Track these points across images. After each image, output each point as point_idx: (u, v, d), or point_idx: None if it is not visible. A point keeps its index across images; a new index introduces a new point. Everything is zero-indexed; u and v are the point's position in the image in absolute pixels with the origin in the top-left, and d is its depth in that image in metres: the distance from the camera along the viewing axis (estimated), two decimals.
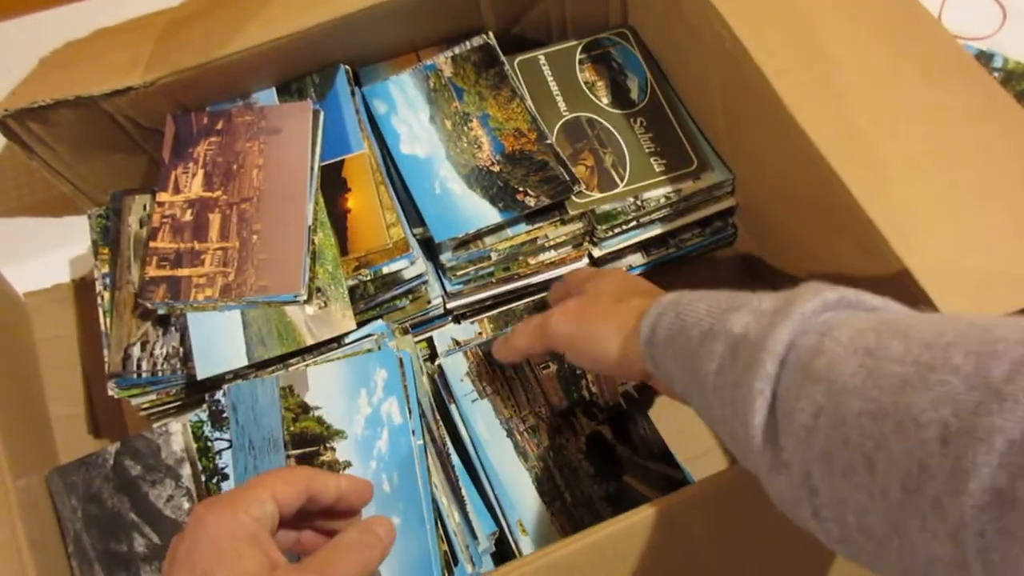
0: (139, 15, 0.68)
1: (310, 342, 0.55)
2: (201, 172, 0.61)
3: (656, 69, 0.67)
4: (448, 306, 0.61)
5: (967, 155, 0.45)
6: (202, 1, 0.66)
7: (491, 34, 0.66)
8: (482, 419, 0.54)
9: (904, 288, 0.40)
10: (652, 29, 0.67)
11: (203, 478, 0.53)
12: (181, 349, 0.56)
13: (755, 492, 0.41)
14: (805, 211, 0.52)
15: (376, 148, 0.63)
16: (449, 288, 0.60)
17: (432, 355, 0.60)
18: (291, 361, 0.56)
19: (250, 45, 0.60)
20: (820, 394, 0.30)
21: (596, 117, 0.64)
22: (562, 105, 0.65)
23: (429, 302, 0.60)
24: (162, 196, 0.60)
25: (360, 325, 0.56)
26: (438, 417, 0.55)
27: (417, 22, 0.66)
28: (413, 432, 0.51)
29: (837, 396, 0.30)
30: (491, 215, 0.59)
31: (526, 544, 0.51)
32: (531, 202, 0.59)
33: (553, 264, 0.61)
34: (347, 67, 0.65)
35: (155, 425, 0.57)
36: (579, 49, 0.68)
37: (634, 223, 0.61)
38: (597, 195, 0.60)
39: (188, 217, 0.59)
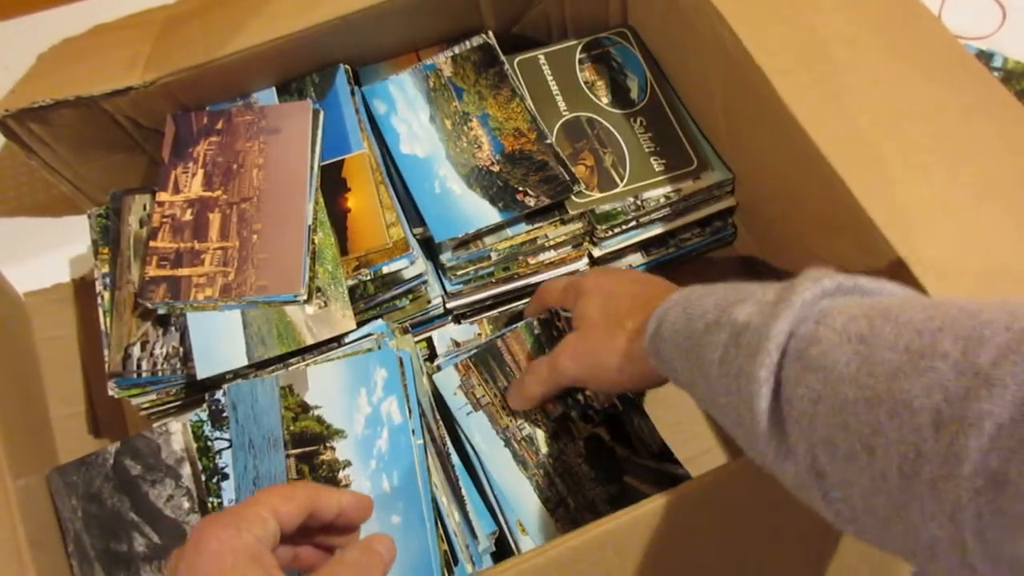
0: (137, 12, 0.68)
1: (310, 342, 0.55)
2: (201, 172, 0.61)
3: (656, 69, 0.67)
4: (448, 306, 0.61)
5: (968, 154, 0.45)
6: None
7: (491, 34, 0.66)
8: (478, 431, 0.54)
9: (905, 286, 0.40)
10: (652, 29, 0.67)
11: (203, 478, 0.53)
12: (181, 349, 0.56)
13: (754, 487, 0.41)
14: (805, 210, 0.52)
15: (376, 148, 0.63)
16: (449, 288, 0.60)
17: (432, 355, 0.59)
18: (291, 361, 0.56)
19: (250, 45, 0.60)
20: (818, 382, 0.31)
21: (596, 117, 0.64)
22: (562, 105, 0.65)
23: (429, 302, 0.60)
24: (162, 196, 0.60)
25: (360, 325, 0.56)
26: (438, 417, 0.55)
27: (417, 22, 0.66)
28: (413, 431, 0.51)
29: (834, 384, 0.30)
30: (491, 215, 0.59)
31: (527, 544, 0.51)
32: (531, 202, 0.59)
33: (553, 264, 0.61)
34: (347, 67, 0.65)
35: (155, 425, 0.57)
36: (579, 49, 0.68)
37: (634, 223, 0.61)
38: (597, 195, 0.60)
39: (188, 217, 0.59)
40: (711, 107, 0.61)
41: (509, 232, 0.60)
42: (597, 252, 0.62)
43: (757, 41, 0.49)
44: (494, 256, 0.60)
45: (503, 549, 0.53)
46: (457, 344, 0.60)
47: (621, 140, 0.63)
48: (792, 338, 0.33)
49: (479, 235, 0.59)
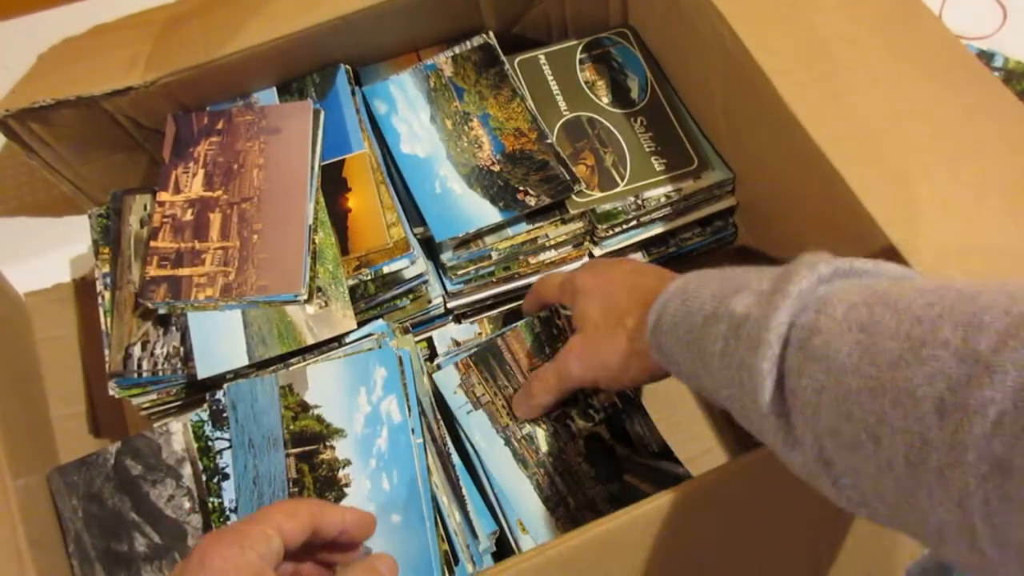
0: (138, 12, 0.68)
1: (311, 341, 0.55)
2: (201, 172, 0.61)
3: (656, 68, 0.67)
4: (449, 305, 0.61)
5: (969, 153, 0.45)
6: None
7: (491, 34, 0.66)
8: (478, 430, 0.54)
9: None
10: (652, 28, 0.67)
11: (204, 478, 0.53)
12: (182, 349, 0.56)
13: (754, 487, 0.41)
14: (806, 209, 0.52)
15: (376, 148, 0.63)
16: (450, 287, 0.60)
17: (432, 355, 0.59)
18: (292, 361, 0.56)
19: (250, 45, 0.60)
20: (821, 372, 0.31)
21: (596, 116, 0.64)
22: (562, 105, 0.65)
23: (430, 301, 0.60)
24: (163, 196, 0.60)
25: (361, 325, 0.56)
26: (438, 416, 0.55)
27: (417, 22, 0.66)
28: (413, 430, 0.51)
29: (837, 374, 0.31)
30: (492, 214, 0.59)
31: (527, 543, 0.51)
32: (531, 201, 0.59)
33: (554, 263, 0.61)
34: (347, 67, 0.65)
35: (156, 425, 0.57)
36: (579, 49, 0.68)
37: (634, 222, 0.61)
38: (597, 194, 0.60)
39: (189, 217, 0.59)
40: (711, 106, 0.61)
41: (510, 232, 0.60)
42: (598, 252, 0.61)
43: (757, 40, 0.49)
44: (495, 256, 0.60)
45: (504, 548, 0.53)
46: (457, 344, 0.60)
47: (622, 140, 0.63)
48: (793, 328, 0.33)
49: (480, 235, 0.59)
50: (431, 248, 0.61)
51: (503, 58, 0.65)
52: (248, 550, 0.35)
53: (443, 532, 0.50)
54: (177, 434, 0.54)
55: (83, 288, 0.69)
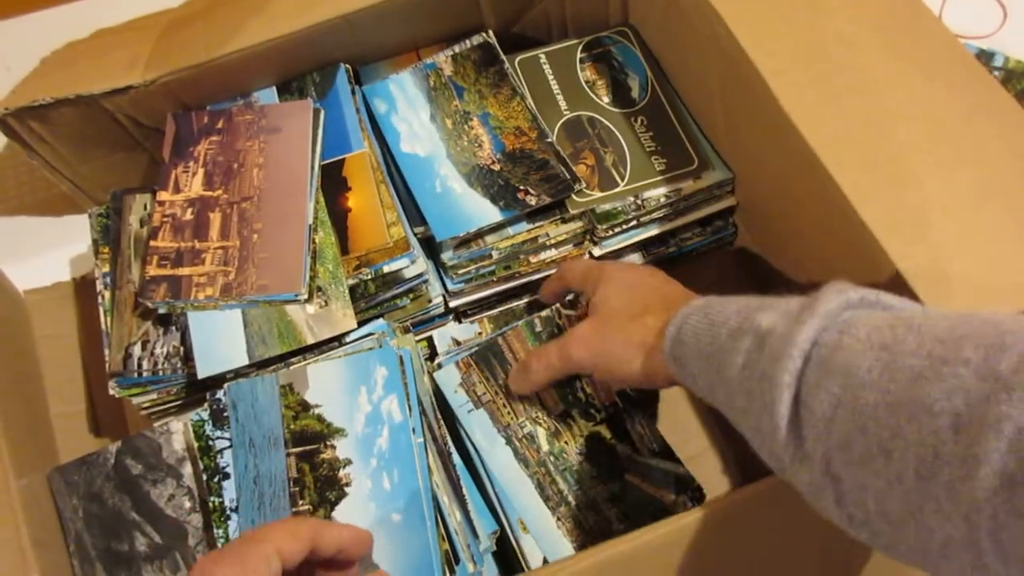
0: (140, 15, 0.68)
1: (311, 341, 0.55)
2: (201, 171, 0.61)
3: (657, 68, 0.67)
4: (449, 305, 0.61)
5: (966, 155, 0.45)
6: (203, 0, 0.66)
7: (491, 33, 0.66)
8: (479, 429, 0.54)
9: (898, 291, 0.40)
10: (652, 28, 0.67)
11: (204, 477, 0.53)
12: (182, 348, 0.56)
13: (767, 515, 0.41)
14: (803, 211, 0.52)
15: (376, 147, 0.63)
16: (450, 287, 0.60)
17: (432, 354, 0.60)
18: (292, 360, 0.56)
19: (250, 44, 0.60)
20: (838, 387, 0.32)
21: (597, 116, 0.64)
22: (563, 104, 0.65)
23: (430, 301, 0.60)
24: (162, 195, 0.60)
25: (361, 324, 0.56)
26: (439, 415, 0.55)
27: (417, 21, 0.66)
28: (413, 430, 0.52)
29: (855, 389, 0.31)
30: (492, 214, 0.59)
31: (528, 543, 0.51)
32: (532, 201, 0.59)
33: (554, 262, 0.61)
34: (347, 66, 0.65)
35: (156, 424, 0.57)
36: (579, 48, 0.68)
37: (634, 222, 0.61)
38: (598, 194, 0.60)
39: (189, 216, 0.59)
40: (711, 106, 0.61)
41: (510, 231, 0.60)
42: (597, 251, 0.62)
43: (754, 40, 0.49)
44: (495, 255, 0.60)
45: (504, 548, 0.53)
46: (458, 343, 0.60)
47: (622, 139, 0.63)
48: (815, 346, 0.34)
49: (480, 234, 0.59)
50: (431, 247, 0.61)
51: (503, 57, 0.65)
52: (249, 572, 0.35)
53: (444, 531, 0.50)
54: (177, 433, 0.54)
55: (83, 287, 0.69)
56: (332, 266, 0.57)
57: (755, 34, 0.49)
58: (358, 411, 0.52)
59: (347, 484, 0.51)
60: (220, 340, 0.55)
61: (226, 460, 0.52)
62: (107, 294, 0.59)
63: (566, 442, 0.54)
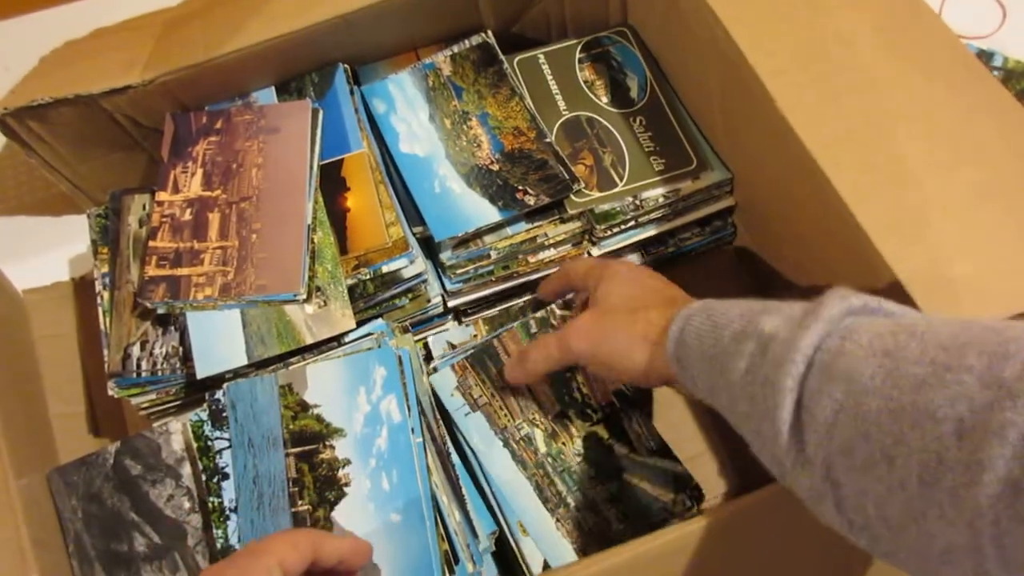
0: (138, 14, 0.68)
1: (310, 341, 0.55)
2: (200, 171, 0.61)
3: (656, 68, 0.67)
4: (448, 304, 0.61)
5: (966, 155, 0.45)
6: (201, 0, 0.66)
7: (490, 33, 0.66)
8: (476, 432, 0.54)
9: (894, 294, 0.40)
10: (652, 28, 0.67)
11: (203, 477, 0.53)
12: (181, 348, 0.56)
13: (767, 522, 0.41)
14: (802, 213, 0.52)
15: (375, 147, 0.63)
16: (449, 287, 0.60)
17: (428, 356, 0.59)
18: (291, 360, 0.56)
19: (249, 44, 0.60)
20: (840, 393, 0.32)
21: (595, 116, 0.64)
22: (561, 104, 0.65)
23: (429, 301, 0.60)
24: (161, 195, 0.60)
25: (360, 324, 0.56)
26: (438, 415, 0.55)
27: (416, 21, 0.66)
28: (412, 430, 0.52)
29: (857, 395, 0.31)
30: (491, 214, 0.59)
31: (528, 545, 0.51)
32: (530, 201, 0.59)
33: (553, 262, 0.61)
34: (346, 66, 0.65)
35: (155, 424, 0.57)
36: (578, 48, 0.68)
37: (633, 223, 0.61)
38: (596, 194, 0.60)
39: (187, 216, 0.59)
40: (709, 106, 0.61)
41: (509, 231, 0.60)
42: (596, 252, 0.62)
43: (753, 41, 0.49)
44: (494, 255, 0.60)
45: (504, 549, 0.53)
46: (453, 347, 0.60)
47: (620, 140, 0.63)
48: (818, 351, 0.34)
49: (479, 234, 0.59)
50: (430, 247, 0.61)
51: (502, 57, 0.65)
52: None
53: (443, 531, 0.50)
54: (177, 434, 0.54)
55: (82, 287, 0.69)
56: (331, 266, 0.57)
57: (754, 34, 0.49)
58: (357, 411, 0.52)
59: (346, 484, 0.51)
60: (219, 340, 0.55)
61: (225, 460, 0.52)
62: (106, 294, 0.59)
63: (564, 443, 0.54)
